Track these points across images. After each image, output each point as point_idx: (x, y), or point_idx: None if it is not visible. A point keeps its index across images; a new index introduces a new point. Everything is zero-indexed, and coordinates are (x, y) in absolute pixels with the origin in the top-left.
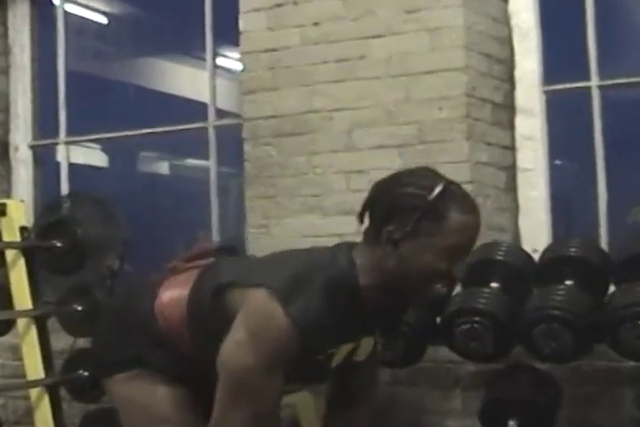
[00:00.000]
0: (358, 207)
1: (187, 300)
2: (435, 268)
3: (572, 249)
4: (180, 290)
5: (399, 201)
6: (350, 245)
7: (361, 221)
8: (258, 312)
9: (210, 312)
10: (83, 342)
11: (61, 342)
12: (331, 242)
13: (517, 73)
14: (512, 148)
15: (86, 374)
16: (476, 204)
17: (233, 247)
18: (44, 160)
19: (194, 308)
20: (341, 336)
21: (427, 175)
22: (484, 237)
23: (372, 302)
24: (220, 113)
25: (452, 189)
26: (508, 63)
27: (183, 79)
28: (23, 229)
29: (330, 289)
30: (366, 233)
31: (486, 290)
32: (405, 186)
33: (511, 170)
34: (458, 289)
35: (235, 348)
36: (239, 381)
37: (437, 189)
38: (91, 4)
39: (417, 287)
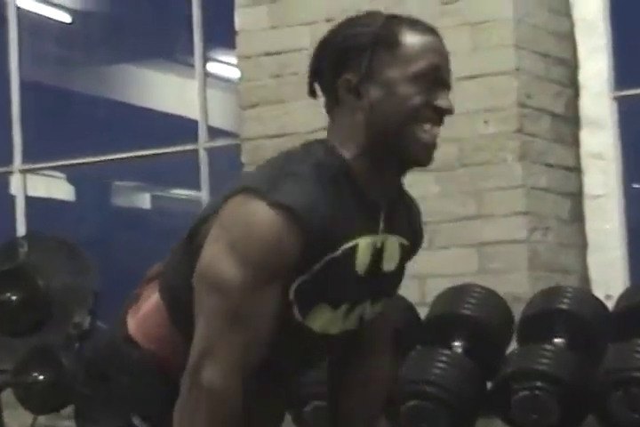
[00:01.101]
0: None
1: (160, 287)
2: (411, 102)
3: None
4: (148, 302)
5: (343, 45)
6: (321, 139)
7: (312, 92)
8: (234, 215)
9: (184, 261)
10: (45, 421)
11: (18, 419)
12: None
13: (582, 76)
14: (577, 169)
15: None
16: (431, 26)
17: None
18: None
19: (168, 279)
20: (349, 223)
21: (365, 15)
22: (543, 281)
23: (368, 177)
24: (214, 132)
25: (397, 16)
26: (571, 64)
27: (167, 90)
28: None
29: (317, 173)
30: (326, 105)
31: (549, 347)
32: (344, 29)
33: (577, 197)
34: (514, 346)
35: (212, 258)
36: (222, 301)
37: (380, 20)
38: None
39: (403, 134)
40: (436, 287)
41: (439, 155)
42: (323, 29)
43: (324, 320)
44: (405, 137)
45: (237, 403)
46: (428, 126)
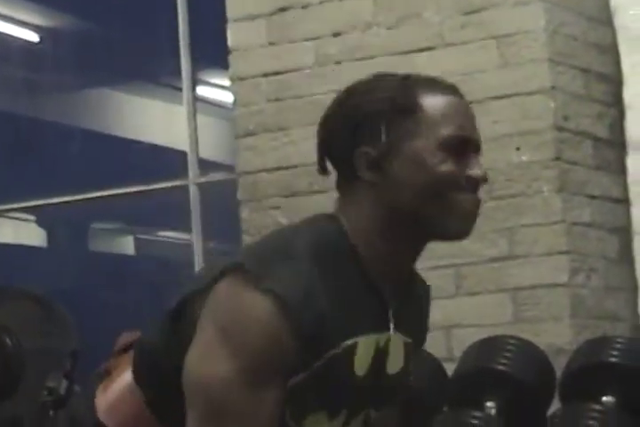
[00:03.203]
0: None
1: (134, 355)
2: (442, 172)
3: None
4: (119, 382)
5: (356, 115)
6: (328, 213)
7: (323, 170)
8: (225, 303)
9: (166, 347)
10: None
11: None
12: None
13: (627, 94)
14: (624, 201)
15: None
16: (452, 84)
17: None
18: None
19: (142, 355)
20: (349, 320)
21: (376, 78)
22: (588, 330)
23: (379, 265)
24: (205, 165)
25: (414, 77)
26: (614, 80)
27: (151, 118)
28: None
29: (320, 258)
30: (338, 181)
31: (597, 407)
32: (355, 96)
33: (625, 232)
34: (556, 406)
35: (202, 356)
36: (214, 401)
37: (393, 82)
38: (15, 15)
39: (437, 207)
40: (465, 339)
41: None
42: (329, 45)
43: None
44: (440, 210)
45: None
46: (464, 193)
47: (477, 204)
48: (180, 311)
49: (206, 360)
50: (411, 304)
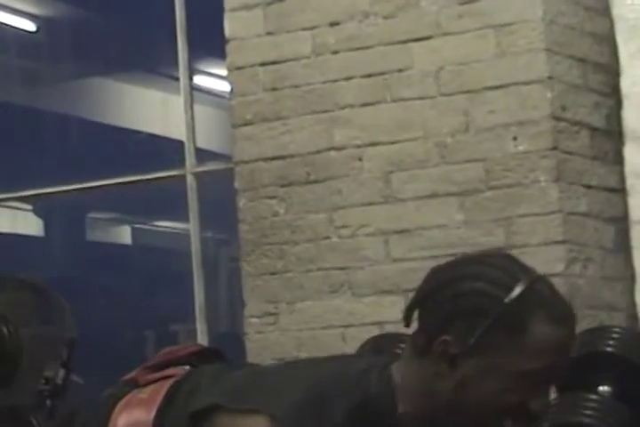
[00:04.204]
0: (402, 283)
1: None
2: (504, 400)
3: None
4: (142, 412)
5: (462, 301)
6: (390, 358)
7: (407, 323)
8: None
9: None
10: None
11: None
12: (365, 334)
13: (624, 84)
14: (621, 190)
15: None
16: (571, 310)
17: (218, 351)
18: None
19: None
20: None
21: (505, 265)
22: (585, 320)
23: None
24: (202, 155)
25: (539, 288)
26: (612, 70)
27: (148, 108)
28: None
29: (355, 418)
30: (414, 341)
31: (593, 397)
32: (473, 279)
33: (622, 222)
34: (552, 396)
35: None
36: None
37: (518, 288)
38: (13, 4)
39: (477, 425)
40: None
41: (461, 177)
42: (326, 35)
43: None
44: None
45: None
46: (509, 423)
47: None
48: (200, 419)
49: None
50: None
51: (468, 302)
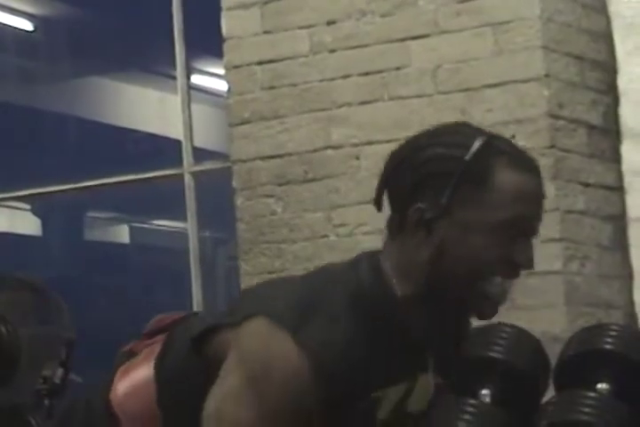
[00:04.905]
0: None
1: (154, 372)
2: (488, 255)
3: None
4: (140, 372)
5: (426, 168)
6: (374, 252)
7: (379, 206)
8: (255, 348)
9: (187, 372)
10: None
11: None
12: None
13: (621, 81)
14: (619, 188)
15: None
16: (533, 160)
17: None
18: None
19: (165, 375)
20: (383, 372)
21: (460, 130)
22: (582, 318)
23: (415, 317)
24: (200, 153)
25: (497, 143)
26: (609, 68)
27: (145, 107)
28: None
29: (355, 307)
30: (390, 222)
31: (591, 395)
32: (432, 147)
33: (619, 220)
34: (550, 394)
35: (225, 400)
36: None
37: (476, 144)
38: (10, 3)
39: (469, 287)
40: None
41: None
42: (323, 33)
43: None
44: (471, 291)
45: None
46: (499, 280)
47: (505, 293)
48: (202, 341)
49: (229, 406)
50: (450, 347)
51: (431, 167)
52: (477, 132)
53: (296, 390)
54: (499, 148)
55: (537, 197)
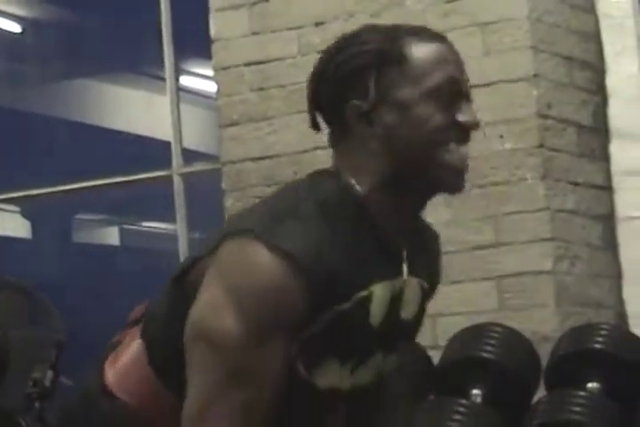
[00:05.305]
0: None
1: (141, 333)
2: (431, 123)
3: None
4: (130, 350)
5: (344, 69)
6: (327, 167)
7: (315, 126)
8: (233, 261)
9: (172, 312)
10: None
11: None
12: None
13: (610, 81)
14: (608, 188)
15: None
16: (437, 32)
17: None
18: None
19: (151, 329)
20: (364, 269)
21: (363, 30)
22: (573, 317)
23: (384, 216)
24: (189, 155)
25: (398, 27)
26: (598, 68)
27: (134, 108)
28: None
29: (325, 212)
30: (331, 137)
31: (582, 394)
32: (342, 51)
33: (608, 220)
34: (541, 393)
35: (208, 310)
36: (219, 358)
37: (380, 33)
38: None
39: (427, 159)
40: (450, 328)
41: None
42: (311, 34)
43: (331, 375)
44: (431, 163)
45: None
46: (453, 146)
47: (464, 158)
48: (184, 277)
49: (213, 315)
50: (421, 250)
51: (349, 66)
52: (375, 26)
53: (280, 291)
54: (404, 30)
55: (455, 60)
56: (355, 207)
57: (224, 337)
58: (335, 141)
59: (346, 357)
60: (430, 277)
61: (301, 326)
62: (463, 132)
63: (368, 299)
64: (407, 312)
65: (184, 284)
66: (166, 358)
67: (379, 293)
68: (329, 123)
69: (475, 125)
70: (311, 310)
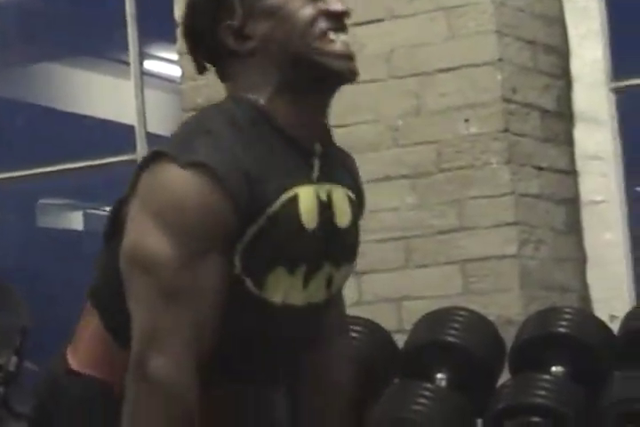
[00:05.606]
0: (366, 261)
1: (91, 301)
2: (301, 18)
3: None
4: (86, 322)
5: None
6: (225, 97)
7: (201, 66)
8: (152, 186)
9: (109, 260)
10: None
11: None
12: None
13: (575, 66)
14: (572, 172)
15: None
16: None
17: None
18: None
19: (95, 287)
20: (281, 172)
21: None
22: (537, 301)
23: (291, 117)
24: (153, 139)
25: None
26: (561, 52)
27: (98, 93)
28: None
29: (233, 125)
30: (218, 70)
31: (546, 377)
32: None
33: (573, 204)
34: (506, 377)
35: (137, 237)
36: (156, 280)
37: None
38: None
39: (311, 54)
40: (415, 312)
41: (413, 159)
42: None
43: (283, 288)
44: (315, 56)
45: (192, 397)
46: (332, 35)
47: (346, 44)
48: (114, 226)
49: (142, 242)
50: (341, 167)
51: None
52: None
53: (198, 207)
54: None
55: None
56: (260, 117)
57: (156, 260)
58: (223, 73)
59: (292, 265)
60: (356, 190)
61: (233, 236)
62: (337, 20)
63: (294, 200)
64: (341, 220)
65: (116, 233)
66: (116, 312)
67: (304, 194)
68: (213, 59)
69: (344, 13)
70: (239, 218)
